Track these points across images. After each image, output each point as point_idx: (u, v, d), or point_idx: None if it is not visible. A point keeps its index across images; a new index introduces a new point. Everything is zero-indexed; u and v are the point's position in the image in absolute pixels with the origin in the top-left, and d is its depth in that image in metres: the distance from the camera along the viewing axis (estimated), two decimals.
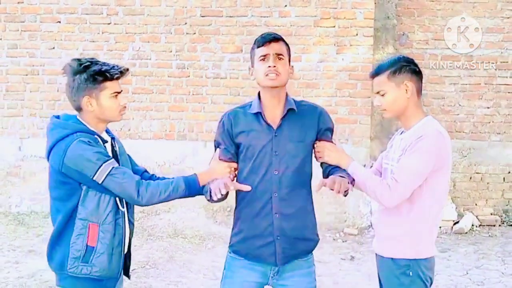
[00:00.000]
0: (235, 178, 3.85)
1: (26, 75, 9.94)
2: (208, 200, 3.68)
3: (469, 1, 10.22)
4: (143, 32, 9.81)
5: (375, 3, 9.62)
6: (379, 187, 3.66)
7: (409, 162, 3.62)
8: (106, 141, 3.74)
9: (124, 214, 3.73)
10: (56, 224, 3.63)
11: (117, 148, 3.88)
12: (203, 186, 3.73)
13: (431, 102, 10.27)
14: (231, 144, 3.82)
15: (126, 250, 3.86)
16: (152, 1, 9.75)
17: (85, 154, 3.46)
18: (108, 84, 3.62)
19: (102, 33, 9.84)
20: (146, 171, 4.14)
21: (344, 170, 3.78)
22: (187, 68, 9.79)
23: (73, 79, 3.60)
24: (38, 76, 9.91)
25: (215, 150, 3.90)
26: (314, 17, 9.57)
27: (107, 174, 3.48)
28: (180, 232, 9.11)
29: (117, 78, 3.66)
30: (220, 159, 3.80)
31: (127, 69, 3.76)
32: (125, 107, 3.78)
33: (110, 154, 3.74)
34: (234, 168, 3.82)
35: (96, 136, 3.64)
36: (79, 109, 3.68)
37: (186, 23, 9.74)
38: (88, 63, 3.60)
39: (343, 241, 8.98)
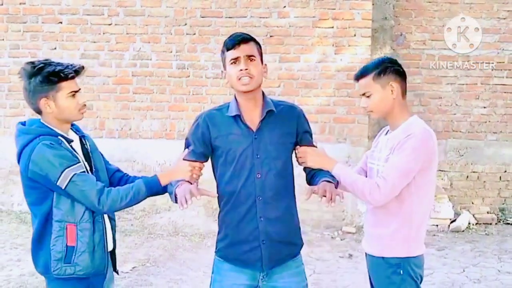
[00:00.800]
0: (212, 181, 3.79)
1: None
2: (175, 202, 3.58)
3: (466, 2, 10.23)
4: (143, 32, 9.81)
5: (373, 4, 9.62)
6: (367, 186, 3.65)
7: (398, 160, 3.62)
8: (72, 140, 3.68)
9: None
10: (35, 228, 3.62)
11: (88, 146, 3.83)
12: (166, 186, 3.70)
13: (429, 102, 10.28)
14: (200, 146, 3.75)
15: (111, 247, 3.85)
16: (153, 2, 9.75)
17: (47, 158, 3.43)
18: (63, 84, 3.56)
19: (103, 33, 9.84)
20: (118, 170, 4.10)
21: (328, 172, 3.76)
22: (187, 68, 9.79)
23: (28, 82, 3.56)
24: None
25: (184, 149, 3.83)
26: (313, 18, 9.57)
27: (69, 181, 3.44)
28: (180, 230, 9.13)
29: (72, 77, 3.60)
30: (184, 159, 3.74)
31: (83, 67, 3.69)
32: (85, 105, 3.70)
33: (80, 152, 3.71)
34: (198, 168, 3.74)
35: (59, 137, 3.59)
36: (39, 111, 3.64)
37: (186, 24, 9.74)
38: (42, 64, 3.55)
39: (341, 239, 8.98)
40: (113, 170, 4.06)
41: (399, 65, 3.87)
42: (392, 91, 3.76)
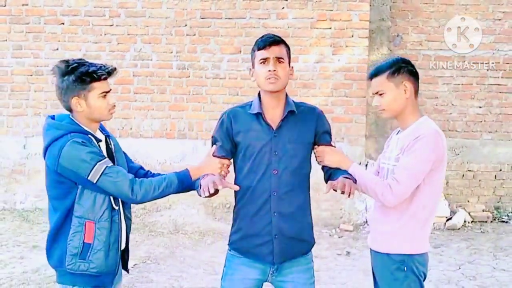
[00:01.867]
0: (230, 175, 3.82)
1: (31, 75, 9.95)
2: (199, 195, 3.61)
3: (461, 3, 10.24)
4: (144, 33, 9.81)
5: (370, 6, 9.63)
6: (379, 187, 3.65)
7: (409, 162, 3.62)
8: (100, 140, 3.70)
9: (119, 211, 3.72)
10: (54, 222, 3.61)
11: (112, 146, 3.84)
12: (195, 181, 3.72)
13: (425, 101, 10.28)
14: (227, 142, 3.78)
15: (123, 246, 3.85)
16: (153, 3, 9.76)
17: (79, 154, 3.44)
18: (96, 84, 3.58)
19: (105, 34, 9.84)
20: (141, 167, 4.12)
21: (345, 171, 3.77)
22: (187, 69, 9.80)
23: (61, 81, 3.57)
24: (42, 77, 9.91)
25: (212, 146, 3.86)
26: (311, 19, 9.58)
27: (101, 174, 3.46)
28: (181, 228, 9.13)
29: (105, 79, 3.62)
30: (213, 155, 3.77)
31: (115, 69, 3.71)
32: (114, 106, 3.74)
33: (105, 152, 3.72)
34: (227, 165, 3.79)
35: (89, 135, 3.61)
36: (69, 109, 3.65)
37: (186, 25, 9.74)
38: (76, 64, 3.57)
39: (339, 237, 8.98)
40: (137, 167, 4.08)
41: (413, 66, 3.87)
42: (405, 90, 3.76)
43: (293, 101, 3.85)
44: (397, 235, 3.75)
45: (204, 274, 7.16)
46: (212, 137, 3.91)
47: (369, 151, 10.00)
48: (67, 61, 3.61)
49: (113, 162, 3.75)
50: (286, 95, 3.83)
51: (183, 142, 9.80)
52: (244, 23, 9.64)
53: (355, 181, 3.67)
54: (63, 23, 9.88)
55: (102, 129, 3.87)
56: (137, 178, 3.61)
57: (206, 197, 3.50)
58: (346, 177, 3.61)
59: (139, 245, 8.23)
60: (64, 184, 3.53)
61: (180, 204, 9.43)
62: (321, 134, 3.86)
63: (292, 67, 3.83)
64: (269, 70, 3.63)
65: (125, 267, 3.98)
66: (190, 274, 7.17)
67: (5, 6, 9.93)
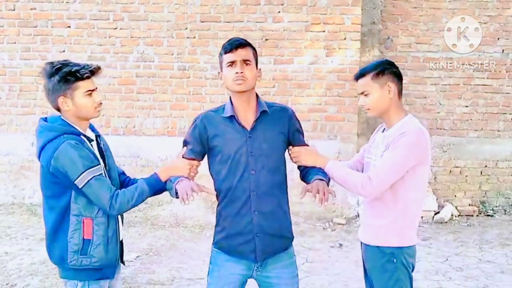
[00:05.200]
0: (209, 179, 3.81)
1: (39, 76, 9.89)
2: (175, 197, 3.61)
3: (449, 7, 10.25)
4: (147, 36, 9.80)
5: (362, 10, 9.63)
6: (359, 180, 3.66)
7: (391, 156, 3.62)
8: (92, 140, 3.69)
9: None
10: (51, 221, 3.60)
11: (102, 145, 3.82)
12: (166, 181, 3.71)
13: (414, 101, 10.29)
14: (197, 145, 3.76)
15: (121, 238, 3.84)
16: (155, 7, 9.75)
17: (71, 157, 3.42)
18: (80, 83, 3.56)
19: (109, 37, 9.83)
20: (123, 173, 4.10)
21: (320, 169, 3.78)
22: (188, 70, 9.79)
23: (48, 82, 3.57)
24: None
25: (183, 147, 3.84)
26: (305, 23, 9.57)
27: (87, 182, 3.44)
28: (181, 221, 9.13)
29: (88, 77, 3.60)
30: (183, 157, 3.76)
31: (99, 68, 3.69)
32: (100, 103, 3.69)
33: (96, 150, 3.70)
34: (196, 166, 3.78)
35: (81, 136, 3.59)
36: (58, 109, 3.64)
37: (186, 28, 9.74)
38: (60, 65, 3.55)
39: (332, 230, 8.99)
40: (119, 172, 4.04)
41: (397, 68, 3.87)
42: (389, 91, 3.76)
43: (265, 102, 3.82)
44: (387, 229, 3.75)
45: (203, 265, 7.14)
46: (184, 139, 3.88)
47: (360, 148, 10.01)
48: (51, 63, 3.61)
49: (104, 160, 3.74)
50: (257, 96, 3.81)
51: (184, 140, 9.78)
52: (242, 27, 9.64)
53: (328, 181, 3.72)
54: (69, 27, 9.87)
55: (93, 129, 3.85)
56: (117, 191, 3.57)
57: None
58: (321, 179, 3.63)
59: (141, 238, 8.23)
60: (59, 184, 3.52)
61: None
62: (293, 133, 3.84)
63: (260, 69, 3.80)
64: (236, 72, 3.61)
65: (121, 259, 3.97)
66: (191, 265, 7.17)
67: (14, 10, 9.92)
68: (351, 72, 9.44)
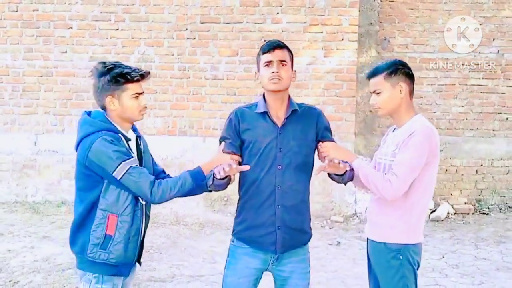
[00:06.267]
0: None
1: (41, 76, 9.94)
2: (209, 186, 3.62)
3: (445, 8, 10.27)
4: (147, 37, 9.81)
5: (359, 11, 9.64)
6: (380, 182, 3.64)
7: (405, 157, 3.61)
8: (130, 139, 3.70)
9: (143, 206, 3.72)
10: (79, 212, 3.61)
11: (141, 146, 3.86)
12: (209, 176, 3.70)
13: None
14: (236, 139, 3.79)
15: (141, 240, 3.85)
16: (156, 9, 9.75)
17: (107, 151, 3.45)
18: (129, 85, 3.62)
19: (110, 38, 9.84)
20: (163, 171, 4.11)
21: (347, 163, 3.73)
22: (188, 70, 9.79)
23: (98, 80, 3.60)
24: (52, 78, 9.91)
25: (220, 144, 3.86)
26: (304, 24, 9.58)
27: (125, 172, 3.46)
28: (182, 219, 9.13)
29: (137, 81, 3.66)
30: (223, 151, 3.78)
31: (148, 73, 3.76)
32: (145, 107, 3.76)
33: (135, 151, 3.73)
34: (237, 161, 3.77)
35: (119, 134, 3.62)
36: (103, 108, 3.68)
37: (187, 29, 9.74)
38: (112, 66, 3.61)
39: (330, 228, 8.99)
40: (159, 171, 4.06)
41: (409, 68, 3.87)
42: (400, 90, 3.76)
43: (296, 102, 3.88)
44: (395, 226, 3.75)
45: (203, 263, 7.16)
46: (220, 136, 3.90)
47: (358, 147, 10.02)
48: (104, 63, 3.65)
49: (140, 161, 3.76)
50: (289, 96, 3.87)
51: (184, 139, 9.80)
52: (241, 28, 9.64)
53: (351, 170, 3.72)
54: (71, 28, 9.87)
55: (134, 130, 3.89)
56: (156, 180, 3.60)
57: (218, 185, 3.56)
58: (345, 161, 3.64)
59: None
60: (91, 178, 3.54)
61: (181, 197, 9.44)
62: (322, 131, 3.89)
63: (295, 71, 3.87)
64: (273, 72, 3.67)
65: (138, 260, 3.98)
66: (191, 263, 7.17)
67: (16, 11, 9.92)
68: (348, 73, 9.46)
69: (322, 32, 9.57)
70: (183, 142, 9.78)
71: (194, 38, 9.76)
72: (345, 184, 3.85)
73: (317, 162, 3.87)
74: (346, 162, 3.66)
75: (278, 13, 9.61)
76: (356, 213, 9.36)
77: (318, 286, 6.48)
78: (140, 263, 4.02)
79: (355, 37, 9.60)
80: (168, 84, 9.85)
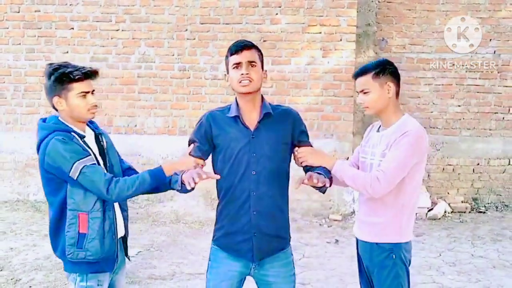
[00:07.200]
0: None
1: (43, 76, 9.87)
2: (178, 190, 3.56)
3: (442, 9, 10.27)
4: (148, 37, 9.80)
5: (357, 12, 9.63)
6: (368, 180, 3.59)
7: (396, 154, 3.59)
8: (84, 136, 3.66)
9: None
10: (51, 217, 3.62)
11: (104, 143, 3.81)
12: (170, 176, 3.64)
13: (408, 101, 10.31)
14: (204, 144, 3.71)
15: (121, 234, 3.82)
16: (156, 10, 9.75)
17: (60, 152, 3.43)
18: (74, 85, 3.56)
19: (111, 38, 9.83)
20: (130, 167, 4.07)
21: (325, 169, 3.69)
22: (188, 70, 9.79)
23: (47, 81, 3.60)
24: None
25: (189, 146, 3.78)
26: (302, 24, 9.57)
27: (80, 172, 3.43)
28: (182, 218, 9.14)
29: (80, 79, 3.58)
30: (190, 155, 3.70)
31: (95, 71, 3.68)
32: (95, 105, 3.67)
33: (95, 148, 3.70)
34: (201, 166, 3.69)
35: (72, 133, 3.58)
36: (55, 108, 3.66)
37: (187, 30, 9.74)
38: (57, 66, 3.58)
39: (328, 226, 8.99)
40: (126, 167, 4.02)
41: (396, 68, 3.85)
42: (388, 90, 3.75)
43: (270, 104, 3.77)
44: (386, 226, 3.73)
45: (203, 261, 7.14)
46: (190, 138, 3.82)
47: (356, 146, 10.00)
48: (51, 64, 3.64)
49: (104, 158, 3.75)
50: (263, 98, 3.76)
51: (184, 138, 9.66)
52: (241, 28, 9.64)
53: (330, 178, 3.64)
54: (72, 28, 9.87)
55: (96, 128, 3.84)
56: (114, 178, 3.56)
57: (188, 191, 3.46)
58: (319, 173, 3.54)
59: (143, 233, 8.24)
60: (54, 181, 3.54)
61: (181, 196, 9.41)
62: (298, 135, 3.79)
63: (265, 71, 3.76)
64: (242, 74, 3.56)
65: (126, 255, 3.96)
66: (191, 261, 7.17)
67: (18, 12, 9.92)
68: (346, 73, 9.45)
69: (320, 32, 9.57)
70: (183, 142, 9.62)
71: (194, 39, 9.76)
72: (323, 192, 3.69)
73: (293, 168, 3.79)
74: (325, 169, 3.62)
75: (277, 13, 9.61)
76: (354, 212, 9.36)
77: (316, 284, 6.49)
78: (129, 258, 4.00)
79: (353, 38, 9.60)
80: (168, 84, 9.85)
